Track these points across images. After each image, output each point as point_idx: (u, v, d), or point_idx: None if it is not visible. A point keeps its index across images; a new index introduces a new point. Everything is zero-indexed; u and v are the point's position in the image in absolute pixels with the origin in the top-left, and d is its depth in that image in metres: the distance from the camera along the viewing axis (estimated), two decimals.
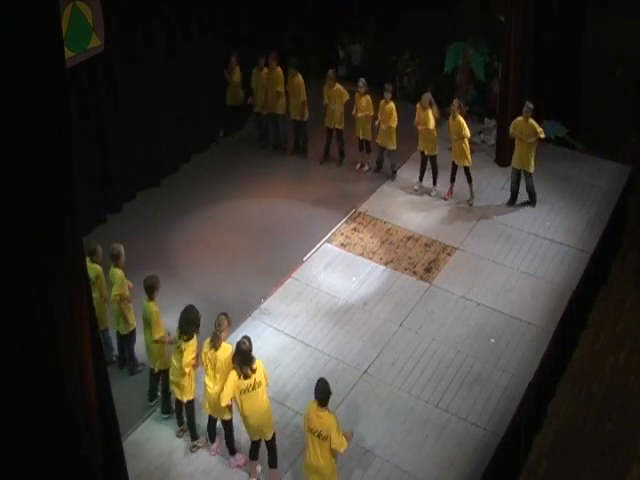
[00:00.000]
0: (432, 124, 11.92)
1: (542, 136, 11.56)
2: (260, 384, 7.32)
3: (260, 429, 7.50)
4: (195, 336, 7.73)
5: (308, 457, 7.05)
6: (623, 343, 10.48)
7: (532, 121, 11.45)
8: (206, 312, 7.94)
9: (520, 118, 11.54)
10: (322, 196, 12.41)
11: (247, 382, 7.27)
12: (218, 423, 7.97)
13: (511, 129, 11.72)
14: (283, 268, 10.71)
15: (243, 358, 7.28)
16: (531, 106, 11.44)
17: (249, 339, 7.37)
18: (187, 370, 7.71)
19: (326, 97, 12.94)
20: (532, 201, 12.07)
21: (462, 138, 11.75)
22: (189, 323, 7.68)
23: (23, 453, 4.62)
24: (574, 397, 9.63)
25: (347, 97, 12.80)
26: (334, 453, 6.93)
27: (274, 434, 7.61)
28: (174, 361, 7.84)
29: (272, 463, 7.72)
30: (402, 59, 15.42)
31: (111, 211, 11.87)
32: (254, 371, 7.29)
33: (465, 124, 11.77)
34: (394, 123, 12.23)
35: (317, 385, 6.96)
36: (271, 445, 7.66)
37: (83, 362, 4.75)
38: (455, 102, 11.84)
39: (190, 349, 7.68)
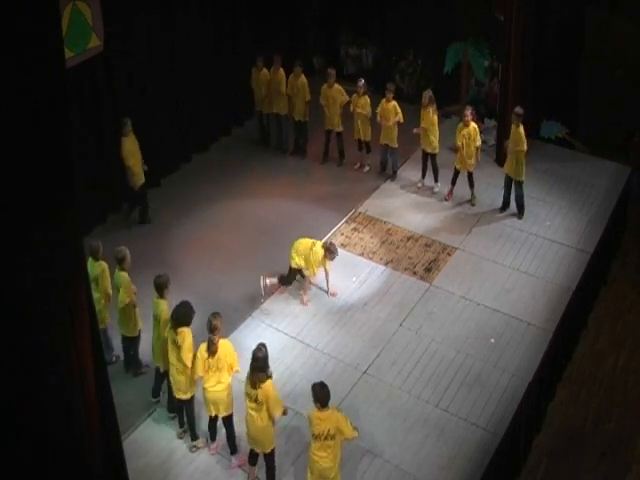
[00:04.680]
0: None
1: (524, 148, 11.14)
2: (261, 405, 7.10)
3: (256, 442, 7.40)
4: (186, 329, 7.66)
5: (313, 464, 7.01)
6: (623, 343, 10.48)
7: (521, 129, 11.08)
8: (206, 312, 7.92)
9: (512, 125, 11.30)
10: (322, 196, 12.42)
11: (251, 391, 7.15)
12: (219, 423, 7.95)
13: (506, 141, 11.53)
14: (283, 268, 10.71)
15: (259, 365, 7.14)
16: (520, 111, 11.09)
17: (264, 345, 7.30)
18: (188, 359, 7.59)
19: (324, 98, 12.88)
20: (520, 212, 11.77)
21: (474, 145, 11.72)
22: (179, 318, 7.64)
23: (23, 453, 4.62)
24: (574, 397, 9.63)
25: (346, 99, 12.74)
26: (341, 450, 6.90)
27: (273, 450, 7.47)
28: (171, 359, 7.79)
29: (270, 479, 7.63)
30: (406, 59, 15.38)
31: (111, 211, 11.87)
32: (258, 386, 7.07)
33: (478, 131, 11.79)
34: (400, 118, 12.22)
35: (314, 388, 6.89)
36: (268, 460, 7.51)
37: (83, 362, 4.75)
38: (470, 108, 11.74)
39: (187, 341, 7.62)
